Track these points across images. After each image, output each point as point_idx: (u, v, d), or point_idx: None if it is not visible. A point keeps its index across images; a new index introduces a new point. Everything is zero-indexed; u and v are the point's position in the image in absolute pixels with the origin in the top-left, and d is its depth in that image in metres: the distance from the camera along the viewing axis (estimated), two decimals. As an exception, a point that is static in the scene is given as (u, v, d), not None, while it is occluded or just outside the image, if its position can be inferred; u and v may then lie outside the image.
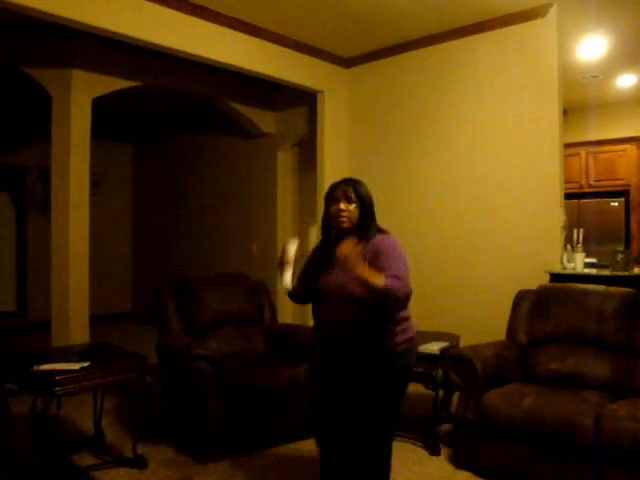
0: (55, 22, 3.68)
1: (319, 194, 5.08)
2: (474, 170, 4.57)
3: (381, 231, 2.25)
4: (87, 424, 3.52)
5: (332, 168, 5.26)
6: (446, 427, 3.43)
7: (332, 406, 2.30)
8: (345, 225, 2.22)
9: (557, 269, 4.03)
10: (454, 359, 3.18)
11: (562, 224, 4.21)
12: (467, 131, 4.63)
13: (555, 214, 4.17)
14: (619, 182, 6.46)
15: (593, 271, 3.96)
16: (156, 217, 8.20)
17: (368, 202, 2.25)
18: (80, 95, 4.77)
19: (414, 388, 3.42)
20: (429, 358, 3.32)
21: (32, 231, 7.40)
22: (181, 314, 3.72)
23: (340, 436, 2.28)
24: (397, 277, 2.03)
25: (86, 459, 3.11)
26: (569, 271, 3.95)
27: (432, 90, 4.86)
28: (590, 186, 6.63)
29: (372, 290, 2.00)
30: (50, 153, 4.77)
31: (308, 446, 3.26)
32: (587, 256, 4.08)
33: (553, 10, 4.14)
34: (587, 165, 6.66)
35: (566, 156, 4.60)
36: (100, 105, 5.00)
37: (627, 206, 6.38)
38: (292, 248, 2.30)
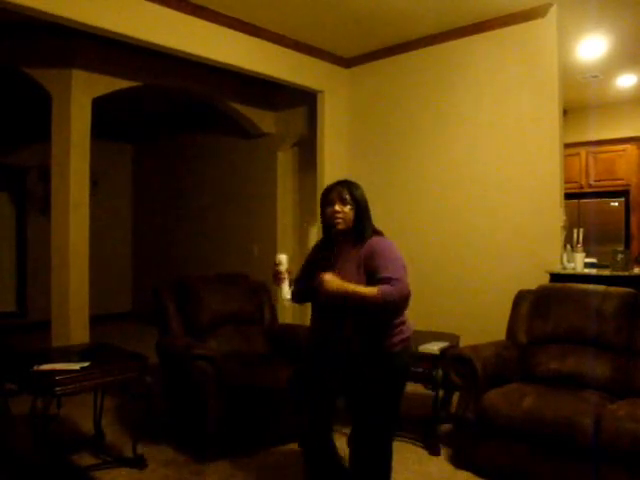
0: (55, 22, 3.68)
1: (319, 194, 5.03)
2: (474, 170, 4.57)
3: (377, 232, 2.27)
4: (87, 424, 3.52)
5: (332, 168, 5.26)
6: (446, 427, 3.43)
7: (319, 402, 2.31)
8: (340, 227, 2.24)
9: (557, 269, 4.03)
10: (454, 359, 3.18)
11: (562, 224, 4.21)
12: (467, 131, 4.63)
13: (555, 214, 4.17)
14: (619, 182, 6.46)
15: (593, 271, 3.96)
16: (156, 217, 8.20)
17: (363, 204, 2.27)
18: (80, 95, 4.77)
19: (414, 388, 3.44)
20: (429, 358, 3.32)
21: (32, 231, 7.40)
22: (181, 314, 3.72)
23: (323, 436, 2.33)
24: (393, 278, 2.05)
25: (86, 459, 3.11)
26: (569, 271, 3.95)
27: (432, 90, 4.86)
28: (590, 186, 6.63)
29: (367, 300, 2.03)
30: (50, 153, 4.77)
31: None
32: (587, 256, 4.08)
33: (553, 10, 4.14)
34: (587, 165, 6.66)
35: (566, 156, 4.60)
36: (100, 105, 5.00)
37: (627, 206, 6.38)
38: (284, 260, 2.37)
